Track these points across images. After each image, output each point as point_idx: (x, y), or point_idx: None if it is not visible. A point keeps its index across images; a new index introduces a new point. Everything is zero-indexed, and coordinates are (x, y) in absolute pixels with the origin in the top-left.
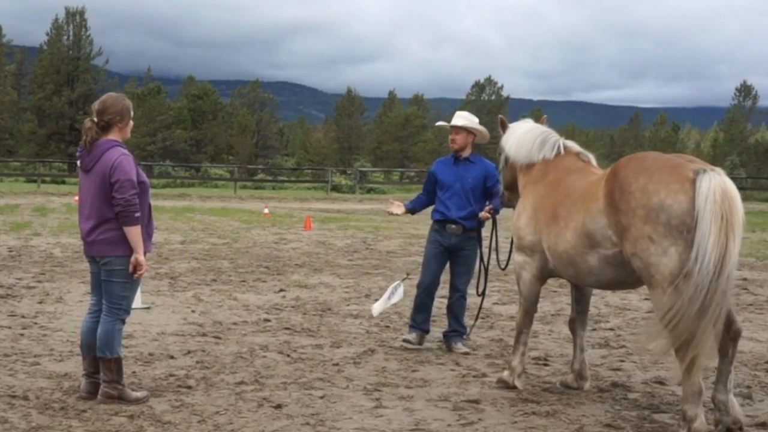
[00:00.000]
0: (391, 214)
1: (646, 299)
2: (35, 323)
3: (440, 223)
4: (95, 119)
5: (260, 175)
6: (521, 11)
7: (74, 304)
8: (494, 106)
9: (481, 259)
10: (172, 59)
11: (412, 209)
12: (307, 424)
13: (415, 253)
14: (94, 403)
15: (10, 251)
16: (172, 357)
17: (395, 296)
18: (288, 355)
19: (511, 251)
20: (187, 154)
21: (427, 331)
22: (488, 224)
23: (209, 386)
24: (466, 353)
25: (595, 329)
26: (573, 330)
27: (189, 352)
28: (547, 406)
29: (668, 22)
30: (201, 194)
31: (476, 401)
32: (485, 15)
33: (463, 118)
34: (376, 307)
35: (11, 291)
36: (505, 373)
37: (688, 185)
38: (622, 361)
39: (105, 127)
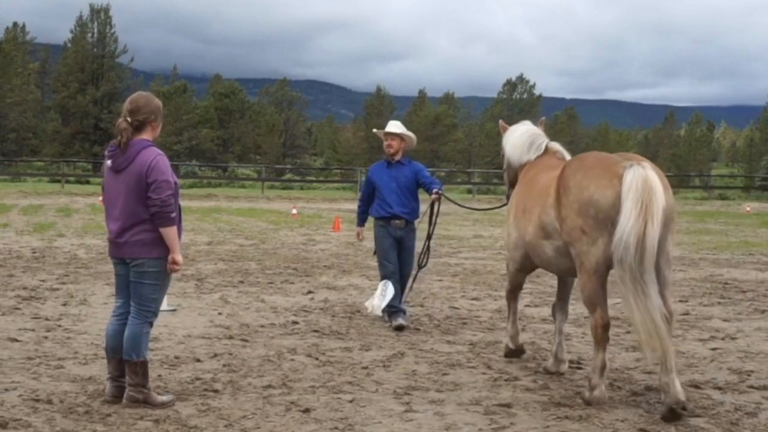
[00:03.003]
0: (361, 239)
1: (679, 301)
2: (59, 326)
3: (385, 219)
4: (128, 119)
5: (288, 175)
6: (553, 8)
7: (99, 306)
8: (526, 104)
9: (428, 237)
10: (199, 57)
11: (364, 221)
12: (336, 428)
13: (445, 254)
14: (119, 407)
15: (34, 252)
16: (198, 360)
17: (388, 293)
18: (316, 358)
19: (424, 249)
20: (213, 153)
21: (405, 312)
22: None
23: (236, 390)
24: (401, 327)
25: (628, 332)
26: (553, 315)
27: (216, 355)
28: (580, 410)
29: (703, 19)
30: (228, 194)
31: (508, 405)
32: (516, 11)
33: (396, 126)
34: (376, 305)
35: (35, 293)
36: (505, 340)
37: (616, 181)
38: (656, 364)
39: (138, 127)
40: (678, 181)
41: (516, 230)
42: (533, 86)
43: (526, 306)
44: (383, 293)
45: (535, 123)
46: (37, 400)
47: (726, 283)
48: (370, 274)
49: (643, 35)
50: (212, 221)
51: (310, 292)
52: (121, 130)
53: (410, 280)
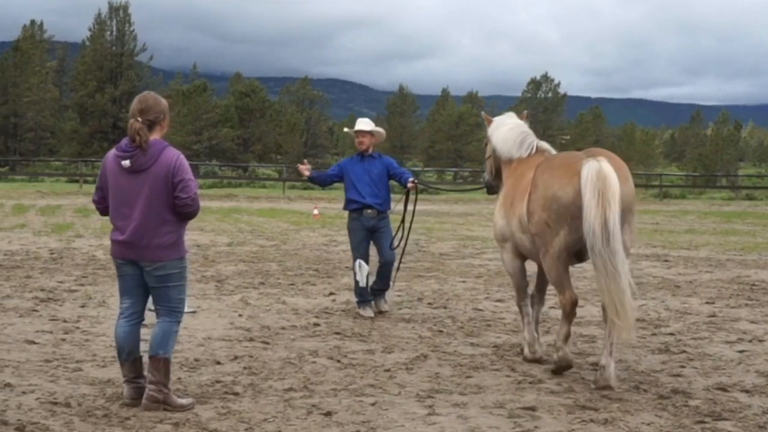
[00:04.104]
0: (300, 174)
1: (706, 303)
2: (77, 328)
3: (358, 210)
4: (139, 119)
5: None
6: (577, 5)
7: (117, 308)
8: (551, 104)
9: (402, 223)
10: (219, 55)
11: (316, 177)
12: (358, 431)
13: (468, 255)
14: (138, 410)
15: (52, 253)
16: (218, 363)
17: (362, 269)
18: (338, 361)
19: (398, 231)
20: (234, 153)
21: (372, 300)
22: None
23: (257, 393)
24: (384, 311)
25: (654, 334)
26: (531, 304)
27: (236, 357)
28: (606, 414)
29: (729, 17)
30: (248, 195)
31: (532, 408)
32: (540, 9)
33: (366, 124)
34: (362, 279)
35: (53, 294)
36: (525, 350)
37: (576, 179)
38: (683, 366)
39: (149, 127)
40: (705, 181)
41: (503, 220)
42: (558, 85)
43: (551, 308)
44: (360, 270)
45: (518, 115)
46: (55, 403)
47: (753, 285)
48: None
49: (668, 33)
50: (232, 222)
51: (331, 293)
52: (137, 130)
53: (395, 265)
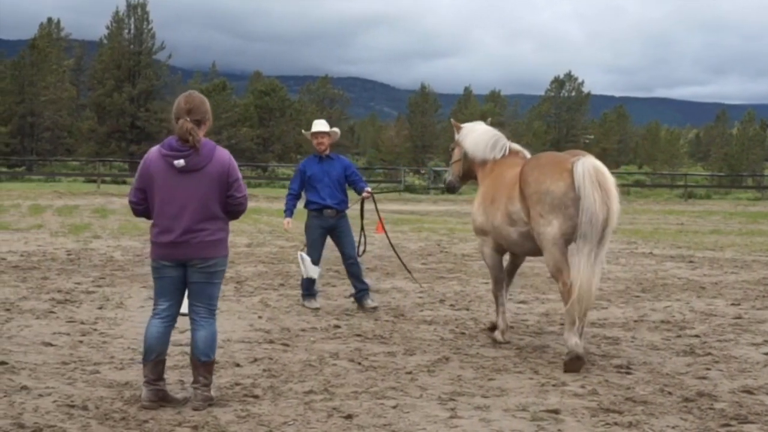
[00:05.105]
0: (289, 231)
1: (732, 304)
2: (95, 330)
3: (318, 210)
4: (187, 118)
5: None
6: (601, 3)
7: (135, 309)
8: (574, 102)
9: (362, 229)
10: (238, 54)
11: (292, 213)
12: None
13: None
14: (156, 413)
15: (69, 254)
16: (238, 365)
17: (305, 260)
18: (359, 363)
19: (361, 238)
20: (253, 153)
21: (318, 293)
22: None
23: (277, 395)
24: (375, 308)
25: (679, 336)
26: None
27: (256, 359)
28: (630, 417)
29: (754, 14)
30: (268, 195)
31: (555, 411)
32: (563, 7)
33: (323, 125)
34: (305, 271)
35: (70, 296)
36: (495, 333)
37: (566, 174)
38: (708, 369)
39: (196, 126)
40: (730, 181)
41: (483, 216)
42: (581, 84)
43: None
44: (303, 263)
45: (485, 121)
46: (72, 406)
47: None
48: (414, 276)
49: (692, 31)
50: (252, 222)
51: (352, 295)
52: (188, 130)
53: (359, 261)
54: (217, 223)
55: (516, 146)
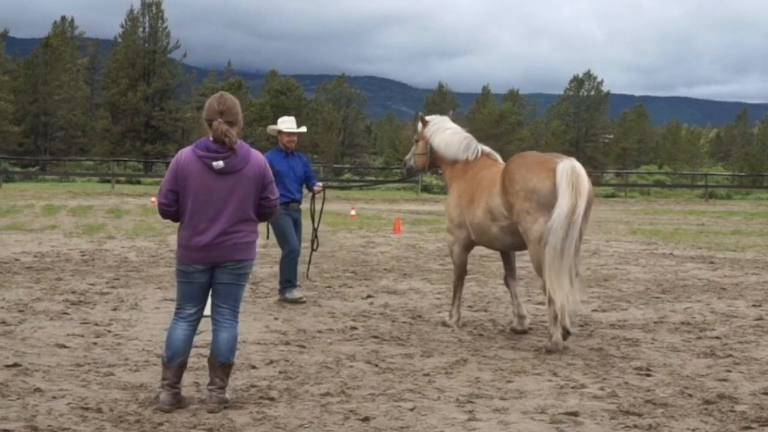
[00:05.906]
0: None
1: (753, 306)
2: (109, 331)
3: (285, 204)
4: (221, 120)
5: (347, 175)
6: (620, 2)
7: (150, 311)
8: (594, 102)
9: (314, 225)
10: (254, 52)
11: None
12: None
13: None
14: (171, 415)
15: (83, 255)
16: (253, 367)
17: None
18: (376, 365)
19: (314, 236)
20: None
21: (296, 285)
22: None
23: (293, 398)
24: (300, 299)
25: (700, 338)
26: (507, 284)
27: (271, 361)
28: (650, 419)
29: None
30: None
31: (574, 413)
32: (582, 6)
33: (293, 123)
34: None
35: (84, 297)
36: (446, 316)
37: (552, 173)
38: (729, 371)
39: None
40: (751, 181)
41: (460, 216)
42: (601, 83)
43: (594, 311)
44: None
45: (446, 115)
46: (87, 409)
47: None
48: (432, 277)
49: (712, 30)
50: (266, 222)
51: (369, 296)
52: (224, 132)
53: (307, 263)
54: (250, 225)
55: (487, 149)
